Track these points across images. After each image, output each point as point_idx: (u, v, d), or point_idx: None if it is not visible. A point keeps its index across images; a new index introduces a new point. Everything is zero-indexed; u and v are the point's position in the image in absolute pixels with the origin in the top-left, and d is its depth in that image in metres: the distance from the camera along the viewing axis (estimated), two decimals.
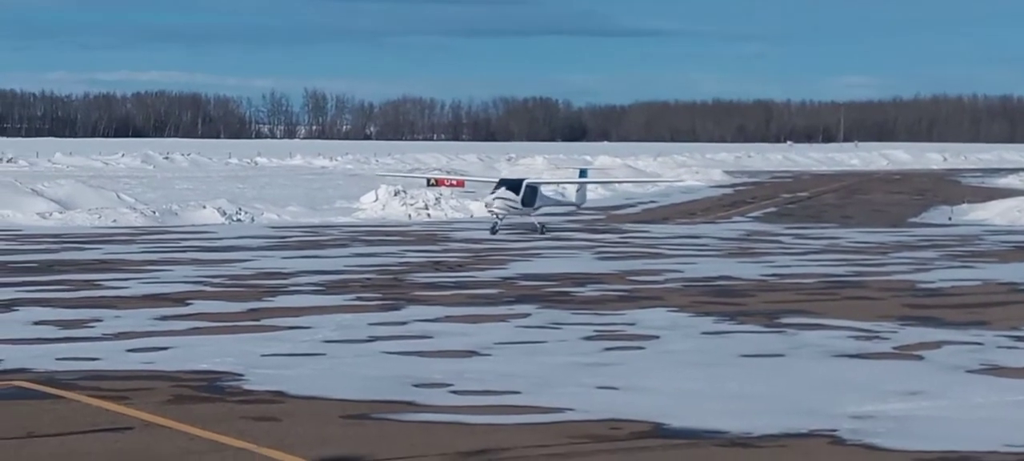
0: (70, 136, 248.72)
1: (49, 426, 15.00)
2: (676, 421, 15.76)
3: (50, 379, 17.92)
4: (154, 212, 54.54)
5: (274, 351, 20.63)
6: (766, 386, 18.12)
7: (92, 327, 23.27)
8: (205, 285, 30.33)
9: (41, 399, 16.65)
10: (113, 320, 24.12)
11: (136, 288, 29.59)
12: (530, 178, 52.74)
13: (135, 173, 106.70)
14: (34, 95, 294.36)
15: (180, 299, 27.58)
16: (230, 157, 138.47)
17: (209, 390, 17.37)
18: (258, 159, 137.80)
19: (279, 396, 16.99)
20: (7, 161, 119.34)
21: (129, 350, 20.64)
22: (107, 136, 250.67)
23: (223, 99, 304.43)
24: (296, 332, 22.84)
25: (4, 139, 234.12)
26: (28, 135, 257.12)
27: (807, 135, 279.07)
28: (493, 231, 47.15)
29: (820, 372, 19.32)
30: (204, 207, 56.00)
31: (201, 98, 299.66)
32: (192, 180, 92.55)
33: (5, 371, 18.69)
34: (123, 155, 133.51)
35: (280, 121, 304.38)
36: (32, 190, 59.00)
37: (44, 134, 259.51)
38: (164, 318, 24.55)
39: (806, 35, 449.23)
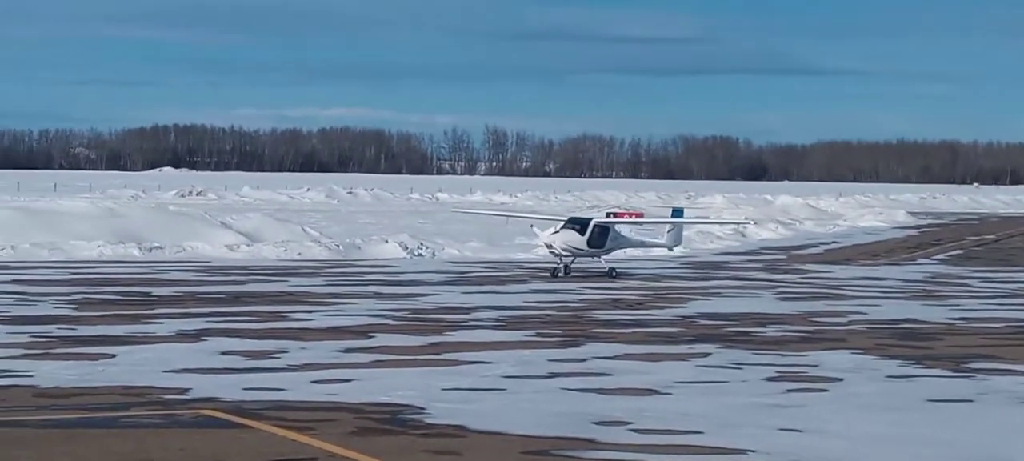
0: (257, 170, 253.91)
1: (236, 455, 15.21)
2: None
3: (237, 408, 18.20)
4: (338, 245, 55.30)
5: (455, 385, 20.71)
6: (955, 432, 17.68)
7: (278, 358, 23.60)
8: (387, 318, 30.61)
9: (229, 428, 16.91)
10: (298, 352, 24.44)
11: (320, 320, 29.98)
12: (601, 217, 48.77)
13: (319, 207, 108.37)
14: (223, 130, 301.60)
15: (363, 332, 27.86)
16: (412, 192, 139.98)
17: (391, 422, 17.48)
18: (439, 194, 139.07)
19: (460, 430, 17.04)
20: (197, 194, 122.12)
21: (314, 381, 20.88)
22: (293, 170, 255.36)
23: (405, 135, 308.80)
24: (476, 367, 22.91)
25: (194, 172, 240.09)
26: (217, 169, 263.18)
27: (994, 177, 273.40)
28: (554, 275, 43.62)
29: (1013, 419, 18.80)
30: (386, 241, 56.62)
31: (384, 134, 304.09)
32: (375, 214, 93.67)
33: (194, 399, 19.03)
34: (308, 189, 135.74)
35: (461, 157, 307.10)
36: (221, 223, 60.21)
37: (232, 168, 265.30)
38: (348, 350, 24.81)
39: (994, 75, 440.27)
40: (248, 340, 26.06)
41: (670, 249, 50.18)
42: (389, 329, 28.53)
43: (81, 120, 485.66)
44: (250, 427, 16.91)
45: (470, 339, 26.91)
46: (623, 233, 46.68)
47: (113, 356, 23.37)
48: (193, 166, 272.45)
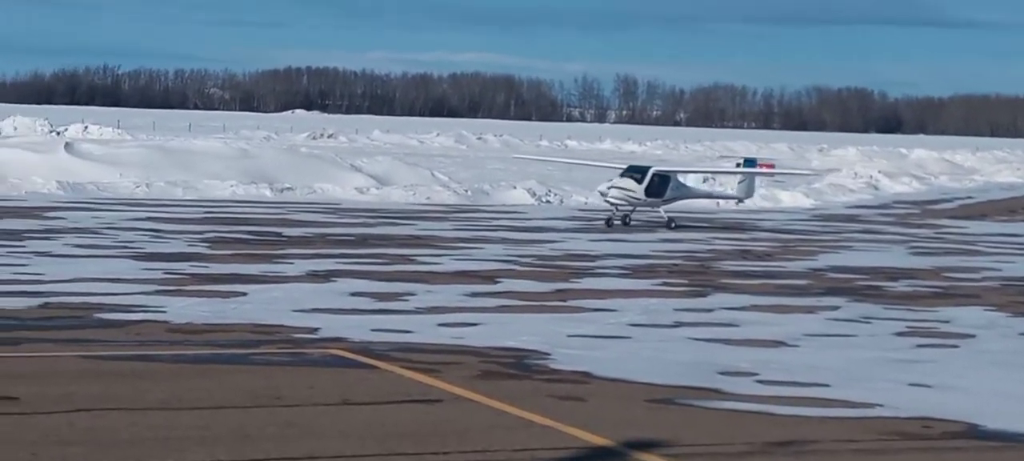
0: (388, 114, 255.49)
1: (363, 394, 15.42)
2: (991, 422, 15.27)
3: (365, 349, 18.43)
4: (466, 191, 55.63)
5: (580, 332, 20.78)
6: None
7: (405, 300, 23.84)
8: (514, 264, 30.76)
9: (356, 368, 17.14)
10: (425, 295, 24.67)
11: (448, 264, 30.21)
12: (662, 166, 47.42)
13: (449, 152, 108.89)
14: (355, 74, 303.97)
15: (490, 277, 28.03)
16: (541, 139, 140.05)
17: (516, 367, 17.61)
18: (568, 142, 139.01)
19: (585, 377, 17.11)
20: (328, 137, 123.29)
21: (440, 324, 21.07)
22: (423, 115, 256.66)
23: (536, 82, 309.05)
24: (602, 314, 22.96)
25: (326, 115, 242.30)
26: (348, 112, 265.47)
27: None
28: (608, 224, 42.25)
29: None
30: (515, 187, 56.81)
31: (514, 80, 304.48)
32: (503, 160, 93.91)
33: (323, 339, 19.30)
34: (438, 134, 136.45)
35: (591, 105, 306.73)
36: (351, 166, 60.81)
37: (363, 112, 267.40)
38: (474, 294, 24.99)
39: None
40: (376, 282, 26.34)
41: (740, 201, 48.63)
42: (515, 274, 28.67)
43: (215, 61, 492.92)
44: (377, 367, 17.13)
45: (596, 287, 26.96)
46: (687, 184, 45.39)
47: (244, 294, 23.76)
48: (324, 109, 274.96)
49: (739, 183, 47.43)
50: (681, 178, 44.80)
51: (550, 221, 44.91)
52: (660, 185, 43.08)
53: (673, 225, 42.46)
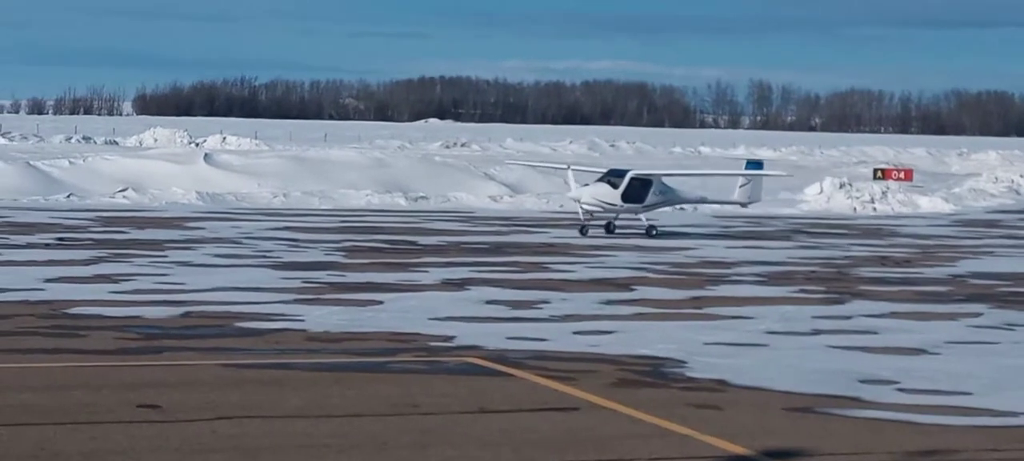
0: (520, 122, 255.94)
1: (500, 402, 15.45)
2: None
3: (500, 357, 18.47)
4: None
5: (717, 340, 20.64)
6: None
7: (540, 308, 23.85)
8: (649, 271, 30.65)
9: (492, 376, 17.18)
10: (560, 302, 24.67)
11: (582, 272, 30.18)
12: (642, 170, 44.23)
13: (582, 160, 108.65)
14: (488, 82, 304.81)
15: (624, 284, 27.96)
16: (674, 146, 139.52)
17: (652, 375, 17.54)
18: (702, 148, 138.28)
19: (721, 385, 16.99)
20: (461, 146, 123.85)
21: (575, 332, 21.05)
22: (556, 123, 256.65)
23: (669, 88, 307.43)
24: (739, 321, 22.79)
25: (459, 124, 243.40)
26: (481, 120, 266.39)
27: None
28: (582, 232, 39.72)
29: None
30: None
31: (647, 87, 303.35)
32: (637, 168, 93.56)
33: (459, 347, 19.38)
34: (570, 142, 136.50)
35: (724, 111, 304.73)
36: (484, 174, 61.03)
37: (496, 120, 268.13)
38: (609, 302, 24.93)
39: None
40: (510, 290, 26.39)
41: (743, 206, 44.70)
42: (650, 282, 28.57)
43: (350, 71, 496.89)
44: (512, 375, 17.15)
45: (732, 293, 26.78)
46: (674, 188, 42.67)
47: (380, 303, 23.94)
48: (457, 117, 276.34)
49: (741, 187, 43.87)
50: (666, 182, 42.19)
51: (685, 228, 44.67)
52: (640, 190, 40.66)
53: (654, 232, 39.77)
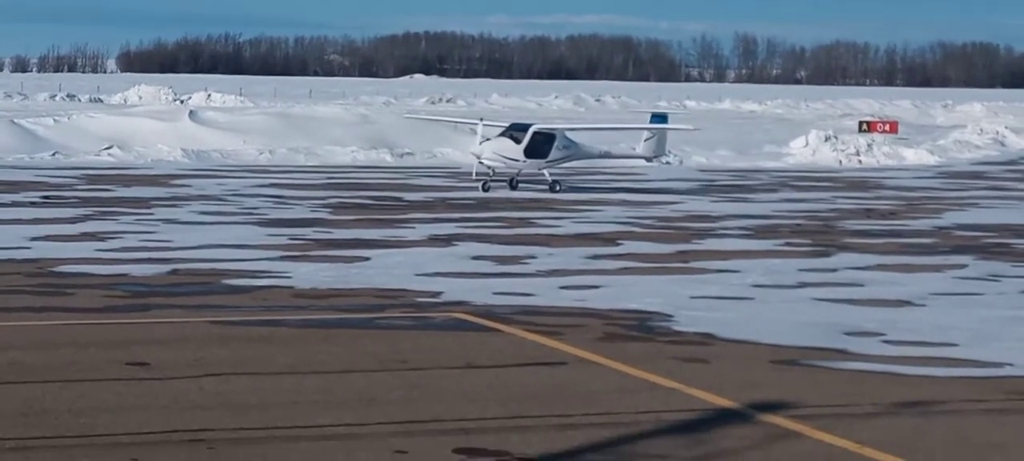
0: (506, 77, 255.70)
1: (487, 358, 15.50)
2: None
3: (488, 312, 18.51)
4: None
5: (703, 293, 20.70)
6: None
7: (526, 264, 23.89)
8: (634, 226, 30.69)
9: (479, 331, 17.22)
10: (546, 258, 24.70)
11: (568, 227, 30.21)
12: (544, 124, 43.49)
13: (567, 115, 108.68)
14: (473, 37, 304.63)
15: (610, 239, 28.00)
16: (659, 100, 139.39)
17: (639, 329, 17.59)
18: (687, 102, 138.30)
19: (708, 338, 17.05)
20: (446, 101, 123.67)
21: (562, 287, 21.09)
22: (541, 78, 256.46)
23: (654, 42, 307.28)
24: (724, 275, 22.84)
25: (444, 79, 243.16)
26: (466, 76, 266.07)
27: None
28: (484, 188, 38.63)
29: None
30: (635, 149, 56.48)
31: (633, 41, 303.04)
32: (623, 122, 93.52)
33: (446, 303, 19.42)
34: (556, 97, 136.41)
35: (710, 65, 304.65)
36: (470, 129, 60.82)
37: (481, 75, 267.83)
38: (595, 257, 24.97)
39: None
40: (497, 245, 26.42)
41: (648, 160, 44.37)
42: (636, 236, 28.61)
43: (334, 27, 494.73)
44: (500, 331, 17.20)
45: (718, 247, 26.82)
46: (578, 142, 41.55)
47: (367, 259, 23.96)
48: (443, 73, 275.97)
49: (645, 141, 43.20)
50: (570, 137, 41.16)
51: (670, 182, 44.70)
52: (543, 144, 39.67)
53: (557, 188, 38.88)
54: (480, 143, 39.60)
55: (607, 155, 44.29)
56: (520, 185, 39.72)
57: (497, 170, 39.28)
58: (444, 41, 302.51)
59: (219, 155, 51.20)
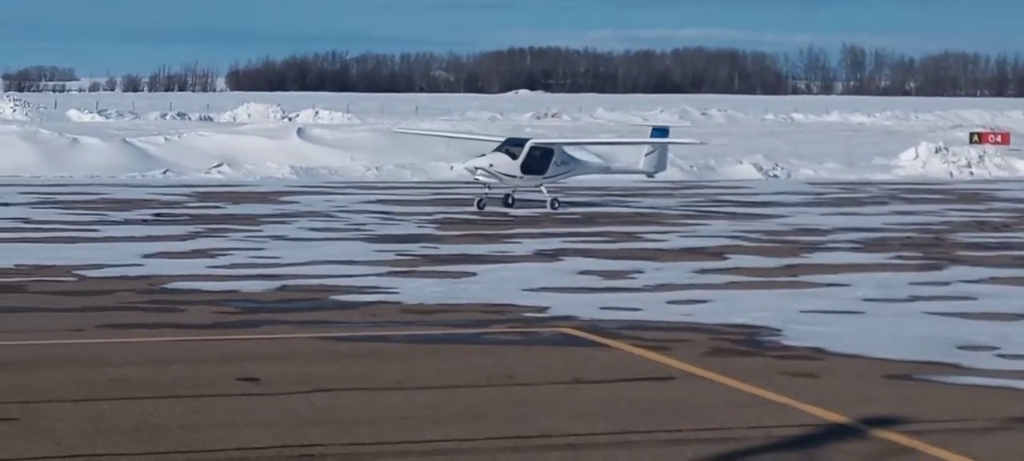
0: (610, 92, 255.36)
1: (595, 373, 15.44)
2: None
3: (595, 327, 18.46)
4: (692, 167, 55.34)
5: (812, 307, 20.51)
6: None
7: (633, 278, 23.81)
8: (742, 240, 30.51)
9: (587, 346, 17.17)
10: (654, 272, 24.61)
11: (675, 241, 30.10)
12: (542, 139, 42.09)
13: (674, 129, 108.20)
14: (578, 52, 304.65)
15: (717, 253, 27.85)
16: (766, 113, 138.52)
17: (748, 344, 17.45)
18: (794, 115, 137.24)
19: (818, 353, 16.87)
20: (552, 116, 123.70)
21: (669, 302, 20.99)
22: (646, 92, 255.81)
23: (760, 55, 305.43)
24: (834, 289, 22.62)
25: (548, 95, 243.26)
26: (571, 91, 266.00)
27: None
28: (479, 206, 37.41)
29: None
30: (740, 162, 56.32)
31: (738, 54, 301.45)
32: (728, 135, 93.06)
33: (553, 318, 19.38)
34: (661, 110, 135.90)
35: (817, 77, 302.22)
36: (575, 145, 60.78)
37: (586, 90, 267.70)
38: (702, 271, 24.84)
39: None
40: (604, 260, 26.37)
41: (649, 176, 42.40)
42: (744, 250, 28.44)
43: (440, 44, 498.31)
44: (607, 346, 17.14)
45: (827, 261, 26.58)
46: (577, 157, 40.44)
47: (474, 274, 24.00)
48: (548, 88, 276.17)
49: (646, 155, 41.40)
50: (570, 152, 39.92)
51: (778, 195, 44.41)
52: (540, 160, 38.27)
53: (557, 205, 37.58)
54: (474, 159, 38.31)
55: (607, 170, 43.27)
56: (517, 202, 38.35)
57: (493, 187, 37.80)
58: (548, 56, 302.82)
59: (327, 172, 51.60)
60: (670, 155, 44.54)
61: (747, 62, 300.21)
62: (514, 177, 37.85)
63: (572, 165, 39.83)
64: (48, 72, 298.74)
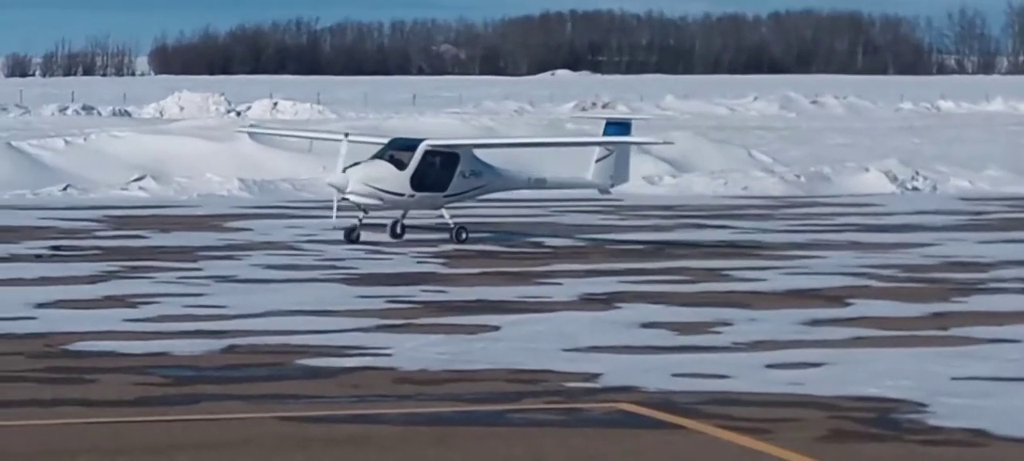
0: (684, 72, 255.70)
1: None
2: None
3: (665, 402, 18.47)
4: (798, 176, 55.36)
5: (969, 373, 20.52)
6: None
7: (718, 332, 23.82)
8: (870, 278, 30.50)
9: (653, 428, 17.18)
10: (746, 324, 24.61)
11: (776, 281, 30.10)
12: (441, 140, 40.47)
13: (771, 123, 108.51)
14: (638, 17, 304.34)
15: (836, 297, 27.85)
16: (901, 100, 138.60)
17: (879, 424, 17.45)
18: (941, 103, 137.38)
19: (979, 437, 16.88)
20: (602, 107, 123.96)
21: (768, 365, 21.00)
22: (733, 71, 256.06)
23: (892, 20, 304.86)
24: (999, 347, 22.64)
25: (598, 77, 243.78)
26: (629, 71, 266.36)
27: None
28: (350, 237, 36.21)
29: None
30: (866, 170, 56.30)
31: (861, 19, 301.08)
32: (849, 132, 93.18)
33: (606, 389, 19.40)
34: (755, 97, 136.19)
35: (972, 50, 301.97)
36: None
37: (649, 69, 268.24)
38: (814, 323, 24.84)
39: None
40: (677, 307, 26.39)
41: (604, 191, 40.59)
42: (872, 293, 28.45)
43: (446, 7, 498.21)
44: (683, 427, 17.14)
45: (990, 308, 26.59)
46: (494, 166, 38.50)
47: (496, 328, 24.02)
48: (596, 67, 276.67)
49: (597, 162, 39.51)
50: (482, 159, 38.16)
51: (920, 216, 44.42)
52: (440, 171, 36.72)
53: (464, 236, 36.44)
54: (343, 170, 36.34)
55: (540, 184, 41.01)
56: (406, 231, 37.33)
57: (371, 209, 36.49)
58: (597, 23, 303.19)
59: (290, 186, 51.76)
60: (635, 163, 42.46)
61: (875, 30, 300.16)
62: (401, 195, 36.29)
63: (486, 177, 38.02)
64: None
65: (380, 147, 37.69)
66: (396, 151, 36.99)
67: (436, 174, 36.68)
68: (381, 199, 36.10)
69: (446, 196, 36.82)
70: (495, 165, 38.74)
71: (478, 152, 38.47)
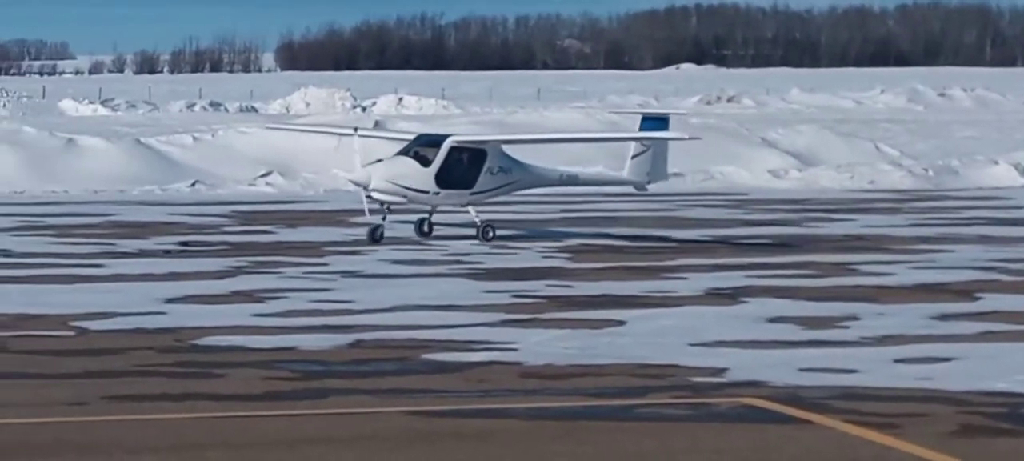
0: (810, 65, 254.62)
1: (790, 460, 15.39)
2: None
3: (792, 397, 18.39)
4: (927, 170, 55.10)
5: None
6: None
7: (846, 327, 23.72)
8: (1001, 273, 30.29)
9: (781, 423, 17.11)
10: (874, 319, 24.49)
11: (904, 275, 29.95)
12: (467, 136, 40.19)
13: (898, 115, 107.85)
14: (764, 11, 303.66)
15: (965, 291, 27.67)
16: None
17: (1010, 419, 17.32)
18: None
19: None
20: (727, 101, 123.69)
21: (897, 360, 20.89)
22: (860, 64, 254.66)
23: (1021, 11, 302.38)
24: None
25: (722, 70, 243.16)
26: (755, 64, 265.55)
27: None
28: (374, 236, 35.48)
29: None
30: (995, 163, 55.92)
31: (990, 10, 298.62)
32: (977, 125, 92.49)
33: (732, 383, 19.35)
34: (882, 90, 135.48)
35: None
36: (761, 140, 60.79)
37: (775, 63, 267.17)
38: (944, 317, 24.70)
39: None
40: (805, 301, 26.30)
41: (640, 188, 39.55)
42: (1002, 287, 28.26)
43: (570, 2, 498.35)
44: (810, 422, 17.07)
45: None
46: (523, 163, 37.76)
47: (622, 323, 24.01)
48: (722, 61, 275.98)
49: (633, 158, 38.52)
50: (510, 155, 37.41)
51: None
52: (467, 168, 36.11)
53: (492, 234, 35.76)
54: (364, 167, 35.75)
55: (573, 181, 39.92)
56: (435, 228, 36.78)
57: (395, 207, 35.97)
58: (723, 17, 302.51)
59: None
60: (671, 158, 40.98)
61: (1004, 22, 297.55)
62: (426, 192, 35.73)
63: (515, 174, 37.23)
64: (33, 48, 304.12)
65: (406, 144, 37.35)
66: (421, 147, 36.49)
67: (462, 171, 36.13)
68: (405, 196, 35.66)
69: (473, 194, 36.29)
70: (523, 162, 37.93)
71: (506, 148, 37.69)
